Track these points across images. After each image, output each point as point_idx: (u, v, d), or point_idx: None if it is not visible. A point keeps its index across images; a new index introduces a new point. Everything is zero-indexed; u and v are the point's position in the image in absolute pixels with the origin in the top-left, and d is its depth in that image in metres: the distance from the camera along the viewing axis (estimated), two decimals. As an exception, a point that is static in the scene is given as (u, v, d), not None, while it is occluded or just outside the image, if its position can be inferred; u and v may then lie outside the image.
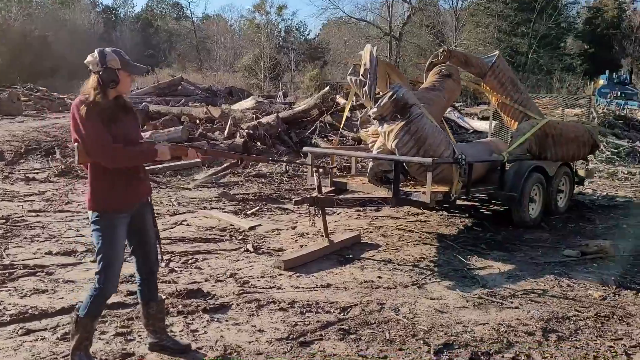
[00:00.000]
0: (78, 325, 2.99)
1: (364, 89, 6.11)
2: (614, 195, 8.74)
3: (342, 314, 4.00)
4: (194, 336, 3.58)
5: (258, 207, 7.33)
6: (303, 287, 4.55)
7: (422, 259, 5.36)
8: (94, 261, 3.11)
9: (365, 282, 4.69)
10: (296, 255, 5.14)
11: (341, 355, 3.34)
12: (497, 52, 8.08)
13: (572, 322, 3.94)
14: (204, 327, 3.73)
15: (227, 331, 3.67)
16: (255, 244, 5.75)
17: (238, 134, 11.64)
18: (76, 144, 2.83)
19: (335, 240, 5.64)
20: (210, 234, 6.12)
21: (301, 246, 5.74)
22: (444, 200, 5.77)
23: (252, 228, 6.40)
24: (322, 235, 5.89)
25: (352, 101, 13.91)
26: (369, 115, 6.04)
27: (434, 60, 7.78)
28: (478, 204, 7.57)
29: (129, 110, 3.02)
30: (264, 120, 12.83)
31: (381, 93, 6.49)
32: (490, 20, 41.64)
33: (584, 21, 53.42)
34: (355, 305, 4.17)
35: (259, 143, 11.73)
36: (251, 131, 11.58)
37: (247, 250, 5.57)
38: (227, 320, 3.84)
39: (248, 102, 15.32)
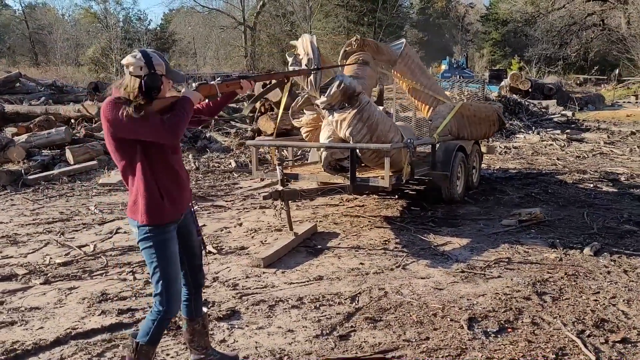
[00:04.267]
0: (139, 353, 2.66)
1: (309, 79, 6.09)
2: (506, 168, 9.74)
3: (354, 304, 4.02)
4: (227, 346, 3.36)
5: (194, 208, 6.93)
6: (297, 283, 4.46)
7: (387, 242, 5.54)
8: (148, 281, 2.81)
9: (353, 270, 4.73)
10: (272, 252, 5.01)
11: (388, 343, 3.38)
12: (403, 40, 8.48)
13: (552, 283, 4.38)
14: (230, 335, 3.52)
15: (257, 337, 3.50)
16: (215, 245, 5.48)
17: (130, 132, 10.82)
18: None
19: (299, 233, 5.58)
20: (158, 240, 5.69)
21: (262, 242, 5.61)
22: (396, 184, 5.99)
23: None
24: (277, 230, 5.82)
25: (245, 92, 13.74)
26: (317, 105, 6.04)
27: (347, 49, 7.93)
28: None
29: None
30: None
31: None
32: (339, 10, 43.32)
33: (417, 11, 57.94)
34: (360, 293, 4.20)
35: (152, 140, 11.03)
36: (145, 128, 10.83)
37: (210, 252, 5.30)
38: (247, 326, 3.66)
39: (125, 97, 14.22)
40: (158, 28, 57.08)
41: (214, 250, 5.31)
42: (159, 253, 2.64)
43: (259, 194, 7.85)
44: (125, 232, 6.03)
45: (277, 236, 5.78)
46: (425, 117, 8.67)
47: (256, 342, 3.41)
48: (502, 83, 21.65)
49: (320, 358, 3.19)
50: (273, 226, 6.16)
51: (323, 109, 5.93)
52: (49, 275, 4.67)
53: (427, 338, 3.44)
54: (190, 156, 10.16)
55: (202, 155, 10.47)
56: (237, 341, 3.44)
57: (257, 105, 13.37)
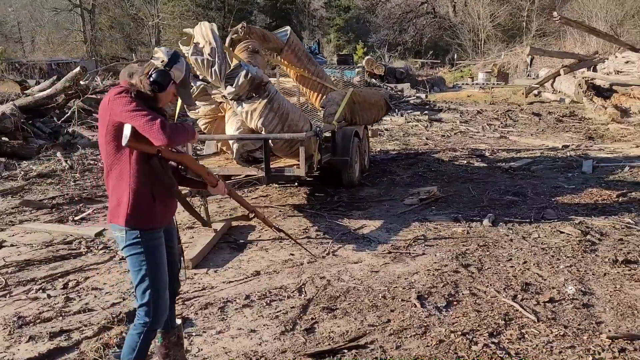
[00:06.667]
0: (128, 374, 2.42)
1: (212, 69, 5.85)
2: (386, 150, 10.27)
3: (303, 295, 4.02)
4: (195, 356, 3.18)
5: (87, 212, 6.34)
6: (235, 281, 4.33)
7: (307, 230, 5.58)
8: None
9: (286, 262, 4.71)
10: (198, 252, 4.79)
11: (354, 330, 3.44)
12: (287, 27, 8.50)
13: (471, 255, 4.78)
14: (191, 344, 3.33)
15: (221, 342, 3.36)
16: (127, 250, 5.08)
17: (-22, 130, 9.49)
18: (129, 125, 2.35)
19: (217, 229, 5.39)
20: (58, 250, 5.14)
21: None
22: (308, 172, 6.04)
23: (98, 234, 5.58)
24: (189, 227, 5.58)
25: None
26: (224, 96, 5.83)
27: (234, 36, 7.74)
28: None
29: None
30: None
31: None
32: (186, -6, 41.79)
33: (263, -3, 57.80)
34: (304, 284, 4.21)
35: (5, 137, 9.81)
36: (-4, 124, 9.57)
37: (123, 258, 4.90)
38: (205, 332, 3.49)
39: (-40, 90, 12.42)
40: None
41: (129, 256, 4.93)
42: (149, 260, 2.46)
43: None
44: (12, 245, 5.34)
45: (190, 234, 5.54)
46: (311, 103, 8.83)
47: (224, 348, 3.27)
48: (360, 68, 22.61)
49: (299, 355, 3.16)
50: (183, 224, 5.86)
51: (231, 100, 5.75)
52: (-61, 304, 3.99)
53: (389, 320, 3.57)
54: (58, 154, 9.20)
55: (72, 152, 9.54)
56: (201, 349, 3.27)
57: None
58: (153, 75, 2.43)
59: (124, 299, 4.02)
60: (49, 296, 4.13)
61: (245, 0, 45.50)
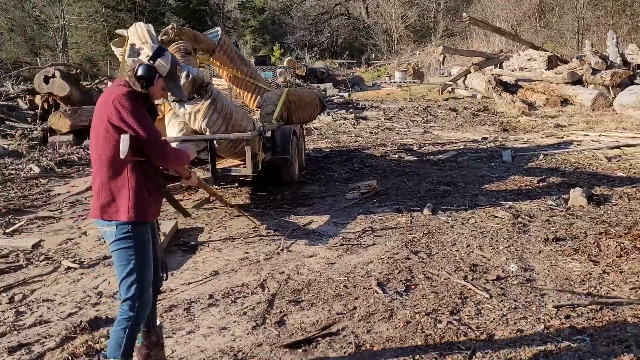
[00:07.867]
0: (116, 371, 2.40)
1: (151, 70, 5.73)
2: (319, 148, 10.44)
3: (266, 291, 4.08)
4: (171, 357, 3.16)
5: (19, 223, 6.00)
6: (195, 282, 4.32)
7: (257, 229, 5.62)
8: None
9: (243, 260, 4.74)
10: (151, 255, 4.70)
11: (324, 320, 3.55)
12: (218, 28, 8.48)
13: (418, 242, 5.03)
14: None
15: (194, 341, 3.36)
16: (72, 259, 4.90)
17: None
18: (126, 135, 2.38)
19: (166, 232, 5.31)
20: (-6, 264, 4.86)
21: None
22: (254, 171, 6.06)
23: (36, 245, 5.33)
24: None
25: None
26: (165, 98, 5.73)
27: (164, 37, 7.62)
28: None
29: (156, 113, 2.58)
30: None
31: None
32: (94, -5, 40.00)
33: (175, -3, 56.48)
34: (265, 280, 4.27)
35: None
36: None
37: (69, 268, 4.73)
38: (175, 333, 3.47)
39: None
40: None
41: (75, 265, 4.76)
42: (138, 254, 2.50)
43: (85, 198, 7.12)
44: (-60, 263, 4.98)
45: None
46: (245, 103, 8.85)
47: (198, 347, 3.27)
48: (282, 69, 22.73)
49: (276, 347, 3.22)
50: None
51: (172, 101, 5.68)
52: None
53: (355, 307, 3.71)
54: (-26, 165, 8.60)
55: (-12, 162, 8.94)
56: (175, 350, 3.25)
57: (40, 101, 11.88)
58: (139, 71, 2.47)
59: (80, 308, 3.90)
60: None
61: (157, 1, 44.10)
